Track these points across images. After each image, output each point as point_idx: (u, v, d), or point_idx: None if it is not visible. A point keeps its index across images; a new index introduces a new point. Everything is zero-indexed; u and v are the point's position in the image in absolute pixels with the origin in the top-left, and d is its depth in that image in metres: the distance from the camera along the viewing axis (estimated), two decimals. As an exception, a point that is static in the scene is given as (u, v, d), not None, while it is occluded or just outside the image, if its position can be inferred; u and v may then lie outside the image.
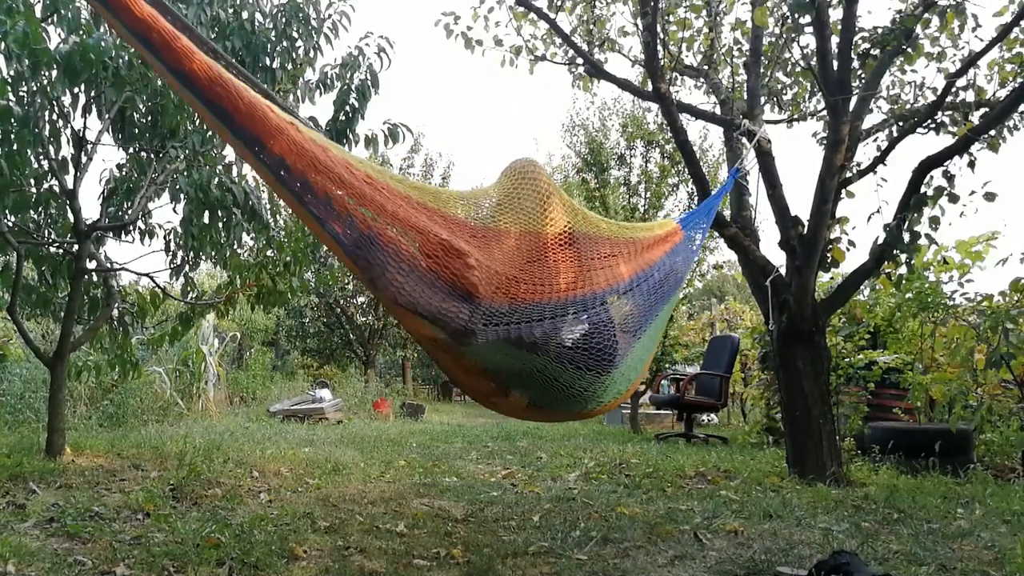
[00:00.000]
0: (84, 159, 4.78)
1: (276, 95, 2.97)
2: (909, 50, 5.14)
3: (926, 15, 5.00)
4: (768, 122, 5.49)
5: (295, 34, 5.09)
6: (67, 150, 4.76)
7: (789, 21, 5.30)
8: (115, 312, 5.40)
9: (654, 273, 3.35)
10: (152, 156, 5.02)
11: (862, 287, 5.51)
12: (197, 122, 5.03)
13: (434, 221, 2.64)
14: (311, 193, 2.35)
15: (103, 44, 4.02)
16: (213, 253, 5.27)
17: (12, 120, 4.00)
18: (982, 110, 5.12)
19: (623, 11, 7.14)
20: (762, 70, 5.54)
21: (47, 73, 4.18)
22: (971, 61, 4.72)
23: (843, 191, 4.94)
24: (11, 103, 4.05)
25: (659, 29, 5.19)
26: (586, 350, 2.90)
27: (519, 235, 2.89)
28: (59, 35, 4.32)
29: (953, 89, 4.95)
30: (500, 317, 2.64)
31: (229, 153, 5.19)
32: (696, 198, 6.05)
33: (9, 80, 4.10)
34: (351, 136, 5.02)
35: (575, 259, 2.98)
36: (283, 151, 2.30)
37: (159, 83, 4.67)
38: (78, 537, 3.11)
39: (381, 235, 2.42)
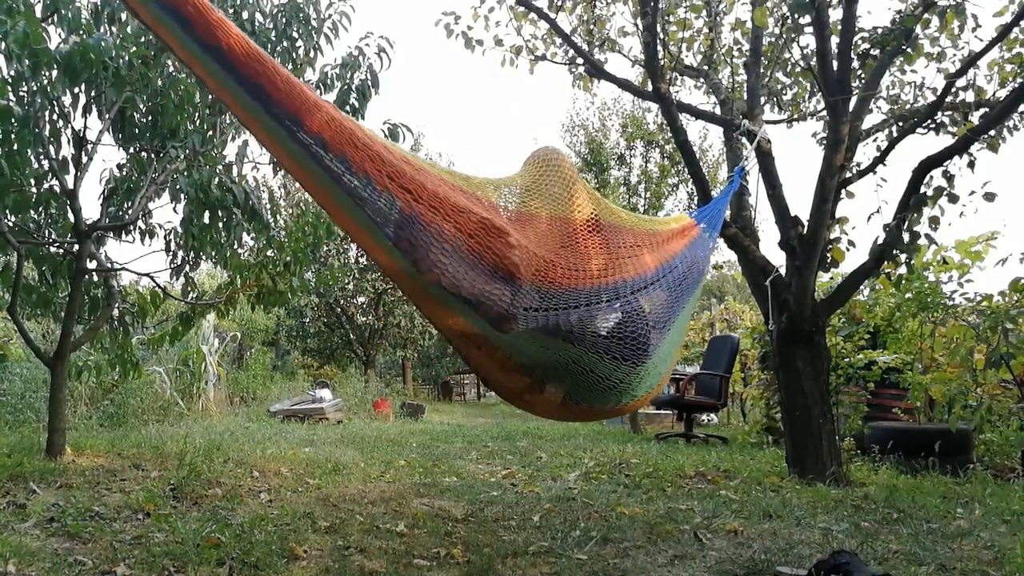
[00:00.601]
0: (84, 159, 4.78)
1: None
2: (909, 50, 5.14)
3: (926, 15, 5.01)
4: (768, 122, 5.50)
5: (295, 34, 5.09)
6: (67, 150, 4.77)
7: (789, 21, 5.30)
8: (115, 312, 5.40)
9: (677, 265, 3.32)
10: (152, 156, 5.02)
11: (862, 287, 5.51)
12: (197, 122, 5.03)
13: (472, 202, 2.58)
14: (350, 172, 2.28)
15: (103, 44, 4.02)
16: (213, 253, 5.28)
17: (12, 120, 4.00)
18: (982, 110, 5.13)
19: (623, 11, 7.16)
20: (762, 70, 5.54)
21: (47, 73, 4.18)
22: (971, 61, 4.72)
23: (843, 191, 4.94)
24: (11, 103, 4.05)
25: (659, 29, 5.19)
26: (621, 339, 2.87)
27: (549, 220, 2.85)
28: (59, 35, 4.32)
29: (953, 89, 4.95)
30: (539, 303, 2.60)
31: (229, 153, 5.20)
32: (696, 198, 6.05)
33: (9, 80, 4.10)
34: (351, 136, 5.01)
35: (604, 246, 2.94)
36: (322, 127, 2.23)
37: (159, 83, 4.68)
38: (78, 537, 3.11)
39: (423, 215, 2.36)
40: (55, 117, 4.59)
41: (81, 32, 4.26)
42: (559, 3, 6.10)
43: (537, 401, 3.21)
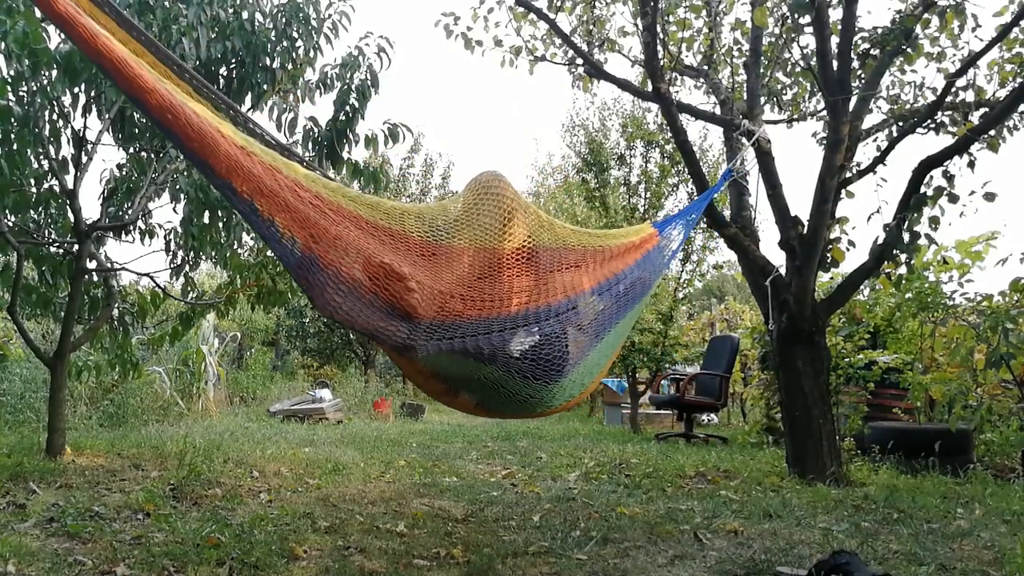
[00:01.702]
0: (84, 159, 4.78)
1: (241, 111, 3.00)
2: (909, 50, 5.14)
3: (926, 15, 5.01)
4: (768, 122, 5.49)
5: (295, 34, 5.08)
6: (67, 150, 4.76)
7: (789, 21, 5.30)
8: (115, 312, 5.40)
9: (620, 282, 3.41)
10: (152, 156, 5.02)
11: (862, 287, 5.51)
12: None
13: (381, 241, 2.73)
14: (257, 215, 2.45)
15: (103, 44, 4.01)
16: (213, 253, 5.27)
17: (12, 120, 4.00)
18: (982, 110, 5.12)
19: (623, 11, 7.15)
20: (762, 70, 5.54)
21: (47, 73, 4.18)
22: (971, 61, 4.72)
23: (843, 191, 4.94)
24: (11, 103, 4.05)
25: (659, 29, 5.19)
26: (534, 360, 2.95)
27: (474, 252, 2.95)
28: (59, 35, 4.31)
29: (953, 89, 4.95)
30: (443, 332, 2.72)
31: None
32: (696, 198, 6.06)
33: (9, 80, 4.10)
34: (351, 136, 5.01)
35: (532, 273, 3.04)
36: (231, 176, 2.39)
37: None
38: (78, 537, 3.11)
39: (322, 257, 2.52)
40: (55, 117, 4.59)
41: (81, 32, 4.26)
42: (559, 3, 6.09)
43: (454, 402, 3.40)
